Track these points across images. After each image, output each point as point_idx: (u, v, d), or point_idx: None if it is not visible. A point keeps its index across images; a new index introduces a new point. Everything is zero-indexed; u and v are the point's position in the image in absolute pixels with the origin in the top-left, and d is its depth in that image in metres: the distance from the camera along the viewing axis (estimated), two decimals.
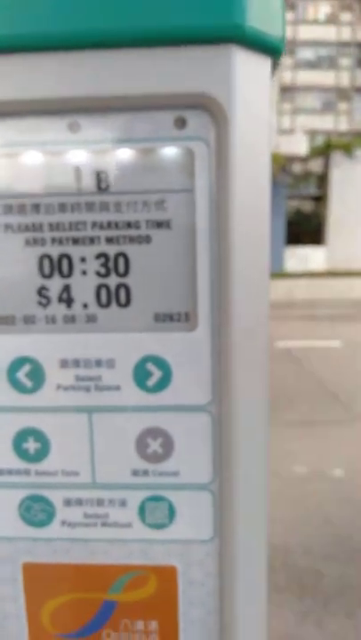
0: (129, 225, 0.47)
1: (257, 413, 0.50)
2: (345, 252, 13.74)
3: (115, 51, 0.43)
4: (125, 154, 0.46)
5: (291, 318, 9.30)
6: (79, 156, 0.46)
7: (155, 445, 0.50)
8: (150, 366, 0.49)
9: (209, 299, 0.47)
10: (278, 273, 12.53)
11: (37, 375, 0.49)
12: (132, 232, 0.47)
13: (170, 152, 0.46)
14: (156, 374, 0.49)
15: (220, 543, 0.51)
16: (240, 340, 0.47)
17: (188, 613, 0.53)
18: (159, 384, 0.49)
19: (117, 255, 0.48)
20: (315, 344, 6.98)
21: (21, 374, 0.49)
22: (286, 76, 26.77)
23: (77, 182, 0.47)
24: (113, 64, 0.43)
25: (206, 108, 0.44)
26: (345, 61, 26.84)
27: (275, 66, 0.48)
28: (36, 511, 0.51)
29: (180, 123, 0.45)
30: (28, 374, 0.49)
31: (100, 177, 0.47)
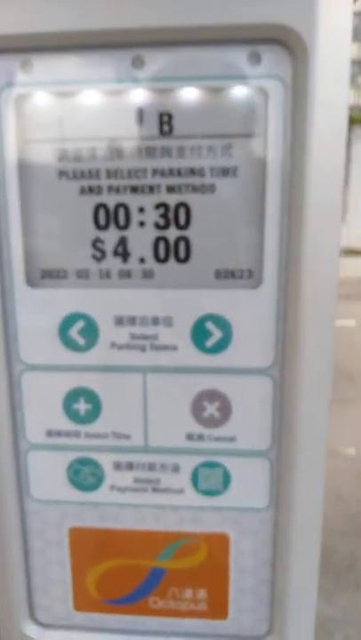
0: (192, 172, 0.44)
1: (321, 379, 0.47)
2: None
3: None
4: (192, 93, 0.42)
5: None
6: (142, 96, 0.43)
7: (211, 409, 0.47)
8: (210, 325, 0.46)
9: (277, 255, 0.44)
10: None
11: (91, 332, 0.46)
12: (195, 180, 0.44)
13: (241, 92, 0.42)
14: (216, 334, 0.46)
15: (275, 512, 0.49)
16: (308, 300, 0.44)
17: (239, 583, 0.51)
18: (219, 345, 0.46)
19: (178, 205, 0.45)
20: None
21: (74, 331, 0.47)
22: None
23: (138, 125, 0.43)
24: None
25: (284, 42, 0.40)
26: None
27: None
28: (85, 474, 0.49)
29: (255, 58, 0.41)
30: (80, 331, 0.46)
31: (162, 119, 0.43)
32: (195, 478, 0.49)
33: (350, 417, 3.80)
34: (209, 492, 0.49)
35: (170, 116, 0.43)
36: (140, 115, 0.43)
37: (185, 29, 0.40)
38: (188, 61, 0.42)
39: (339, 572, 2.16)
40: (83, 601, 0.52)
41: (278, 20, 0.40)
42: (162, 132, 0.43)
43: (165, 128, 0.43)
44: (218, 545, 0.50)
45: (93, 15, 0.40)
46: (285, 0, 0.39)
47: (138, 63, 0.42)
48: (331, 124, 0.42)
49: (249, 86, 0.42)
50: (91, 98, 0.43)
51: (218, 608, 0.52)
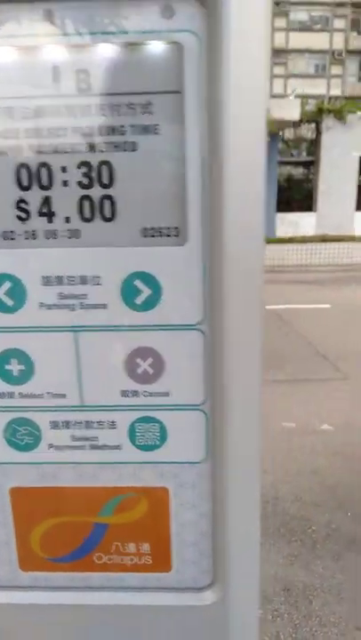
0: (113, 130, 0.44)
1: (250, 334, 0.48)
2: (335, 217, 13.66)
3: None
4: (107, 50, 0.43)
5: (282, 282, 9.29)
6: (56, 52, 0.43)
7: (145, 365, 0.48)
8: (139, 283, 0.47)
9: (200, 211, 0.45)
10: (270, 238, 12.46)
11: (18, 293, 0.47)
12: (117, 138, 0.44)
13: (157, 47, 0.42)
14: (145, 292, 0.47)
15: (212, 465, 0.50)
16: (233, 255, 0.45)
17: (181, 535, 0.52)
18: (148, 302, 0.47)
19: (101, 164, 0.45)
20: (305, 307, 7.00)
21: (1, 292, 0.47)
22: (279, 38, 25.88)
23: (55, 82, 0.43)
24: None
25: None
26: (339, 23, 25.95)
27: None
28: (22, 435, 0.50)
29: (168, 12, 0.42)
30: (8, 292, 0.47)
31: (79, 77, 0.43)
32: (132, 434, 0.50)
33: (325, 395, 3.89)
34: (146, 447, 0.50)
35: (87, 73, 0.43)
36: (57, 71, 0.43)
37: None
38: (101, 15, 0.42)
39: (315, 541, 2.22)
40: (28, 561, 0.53)
41: None
42: (80, 90, 0.43)
43: (83, 85, 0.43)
44: (158, 499, 0.51)
45: None
46: None
47: (50, 17, 0.42)
48: (248, 78, 0.43)
49: (164, 40, 0.42)
50: (4, 55, 0.43)
51: (161, 561, 0.53)
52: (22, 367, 0.48)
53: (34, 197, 0.45)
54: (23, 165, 0.45)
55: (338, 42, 25.88)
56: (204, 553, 0.53)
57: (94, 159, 0.45)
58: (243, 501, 0.52)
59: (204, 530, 0.52)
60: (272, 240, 12.48)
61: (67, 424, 0.50)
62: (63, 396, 0.49)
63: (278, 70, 26.33)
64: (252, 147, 0.44)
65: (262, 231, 0.47)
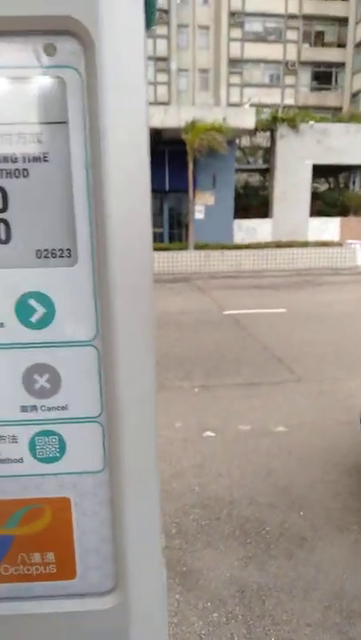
0: (5, 158, 0.46)
1: (141, 348, 0.51)
2: (289, 223, 14.05)
3: None
4: None
5: (238, 288, 9.46)
6: None
7: (42, 381, 0.50)
8: (33, 302, 0.49)
9: (88, 233, 0.48)
10: (227, 245, 12.65)
11: None
12: (9, 165, 0.47)
13: (42, 81, 0.45)
14: (40, 310, 0.49)
15: (110, 473, 0.53)
16: (121, 275, 0.48)
17: (83, 542, 0.54)
18: (43, 320, 0.49)
19: None
20: (261, 312, 7.15)
21: None
22: (235, 48, 26.38)
23: None
24: None
25: (74, 33, 0.44)
26: (292, 34, 26.67)
27: None
28: None
29: (50, 49, 0.44)
30: None
31: None
32: (32, 447, 0.52)
33: (280, 398, 3.98)
34: (47, 460, 0.52)
35: None
36: None
37: None
38: None
39: (269, 542, 2.27)
40: None
41: (67, 13, 0.43)
42: None
43: None
44: (60, 508, 0.53)
45: None
46: None
47: None
48: (128, 110, 0.46)
49: (47, 75, 0.45)
50: None
51: (66, 569, 0.55)
52: None
53: None
54: None
55: (291, 53, 26.63)
56: (106, 558, 0.55)
57: None
58: (141, 507, 0.54)
59: (105, 536, 0.55)
60: (229, 246, 12.69)
61: None
62: None
63: (234, 79, 26.84)
64: (133, 172, 0.47)
65: (150, 254, 0.50)
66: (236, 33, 26.21)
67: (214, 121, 12.00)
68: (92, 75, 0.44)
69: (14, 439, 0.52)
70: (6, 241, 0.48)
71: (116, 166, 0.46)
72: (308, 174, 14.35)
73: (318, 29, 27.21)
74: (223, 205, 13.63)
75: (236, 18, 26.03)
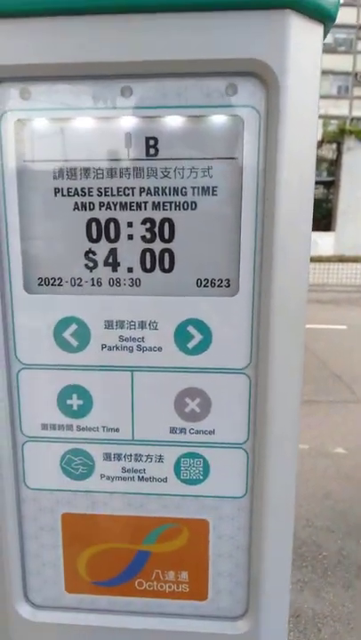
0: (176, 191, 0.49)
1: (292, 378, 0.51)
2: (353, 237, 13.71)
3: (169, 15, 0.44)
4: (175, 120, 0.47)
5: None
6: (130, 122, 0.47)
7: (193, 405, 0.52)
8: (191, 329, 0.51)
9: (251, 265, 0.49)
10: None
11: (83, 335, 0.51)
12: (179, 198, 0.49)
13: (219, 119, 0.47)
14: (197, 337, 0.51)
15: (251, 500, 0.54)
16: (280, 307, 0.49)
17: (218, 565, 0.55)
18: (199, 346, 0.51)
19: (163, 221, 0.49)
20: (320, 327, 6.99)
21: (67, 334, 0.51)
22: None
23: (127, 148, 0.48)
24: (167, 29, 0.44)
25: (258, 75, 0.45)
26: None
27: (326, 32, 0.48)
28: (77, 465, 0.54)
29: (232, 89, 0.46)
30: (73, 334, 0.51)
31: (149, 143, 0.48)
32: (177, 468, 0.53)
33: (339, 418, 3.87)
34: (190, 481, 0.54)
35: (156, 140, 0.47)
36: (129, 138, 0.48)
37: (169, 63, 0.45)
38: (171, 91, 0.46)
39: (326, 568, 2.21)
40: (74, 583, 0.57)
41: (253, 56, 0.44)
42: (148, 154, 0.48)
43: (151, 151, 0.48)
44: (198, 530, 0.55)
45: (87, 49, 0.45)
46: (260, 38, 0.44)
47: (126, 92, 0.46)
48: (300, 147, 0.47)
49: (226, 114, 0.46)
50: (83, 123, 0.47)
51: (198, 589, 0.56)
52: (81, 402, 0.52)
53: (101, 249, 0.50)
54: (94, 220, 0.49)
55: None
56: (239, 583, 0.56)
57: (157, 216, 0.49)
58: (278, 535, 0.55)
59: (240, 561, 0.55)
60: None
61: (118, 456, 0.53)
62: (117, 430, 0.53)
63: None
64: (300, 209, 0.48)
65: (306, 287, 0.51)
66: None
67: None
68: (273, 114, 0.45)
69: (160, 459, 0.53)
70: (170, 269, 0.50)
71: (287, 202, 0.47)
72: None
73: None
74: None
75: None
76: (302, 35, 0.44)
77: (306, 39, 0.45)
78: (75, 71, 0.46)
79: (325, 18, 0.46)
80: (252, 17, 0.43)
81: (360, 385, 4.61)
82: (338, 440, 3.45)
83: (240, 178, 0.47)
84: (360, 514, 2.58)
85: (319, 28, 0.46)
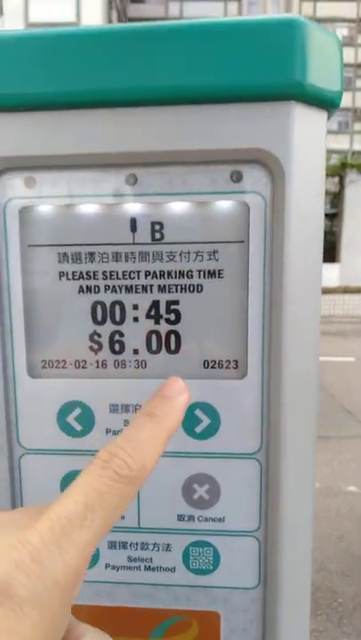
0: (181, 274, 0.48)
1: (304, 462, 0.50)
2: (357, 269, 13.79)
3: (173, 107, 0.44)
4: (180, 206, 0.47)
5: None
6: (135, 208, 0.47)
7: (201, 491, 0.50)
8: (199, 413, 0.49)
9: (260, 347, 0.48)
10: None
11: (87, 419, 0.50)
12: (185, 281, 0.48)
13: (225, 205, 0.47)
14: (205, 421, 0.49)
15: (264, 590, 0.51)
16: (290, 389, 0.48)
17: None
18: (207, 431, 0.49)
19: (169, 303, 0.49)
20: (328, 360, 6.93)
21: (71, 418, 0.50)
22: None
23: (132, 233, 0.48)
24: (171, 120, 0.44)
25: (263, 163, 0.45)
26: (360, 83, 26.87)
27: (329, 117, 0.48)
28: None
29: (237, 176, 0.46)
30: (77, 418, 0.50)
31: (154, 228, 0.48)
32: (186, 557, 0.51)
33: (350, 454, 3.79)
34: (200, 571, 0.51)
35: (161, 225, 0.47)
36: (134, 223, 0.47)
37: (174, 153, 0.45)
38: (176, 178, 0.46)
39: (342, 616, 2.12)
40: None
41: (258, 146, 0.44)
42: (154, 239, 0.48)
43: (157, 235, 0.47)
44: (208, 623, 0.52)
45: (91, 139, 0.45)
46: (264, 128, 0.44)
47: (131, 180, 0.47)
48: (306, 232, 0.47)
49: (232, 200, 0.46)
50: (88, 209, 0.47)
51: None
52: None
53: (106, 331, 0.49)
54: (99, 303, 0.49)
55: (360, 100, 26.72)
56: None
57: (163, 298, 0.48)
58: (293, 626, 0.52)
59: None
60: None
61: (124, 545, 0.51)
62: (122, 517, 0.51)
63: None
64: (308, 292, 0.47)
65: (317, 362, 0.49)
66: None
67: None
68: (278, 199, 0.45)
69: (168, 548, 0.51)
70: (175, 351, 0.49)
71: (294, 285, 0.46)
72: None
73: None
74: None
75: None
76: (306, 122, 0.45)
77: (310, 126, 0.45)
78: (79, 161, 0.46)
79: (329, 105, 0.46)
80: (257, 108, 0.44)
81: None
82: (350, 478, 3.37)
83: (246, 260, 0.47)
84: None
85: (323, 115, 0.46)
